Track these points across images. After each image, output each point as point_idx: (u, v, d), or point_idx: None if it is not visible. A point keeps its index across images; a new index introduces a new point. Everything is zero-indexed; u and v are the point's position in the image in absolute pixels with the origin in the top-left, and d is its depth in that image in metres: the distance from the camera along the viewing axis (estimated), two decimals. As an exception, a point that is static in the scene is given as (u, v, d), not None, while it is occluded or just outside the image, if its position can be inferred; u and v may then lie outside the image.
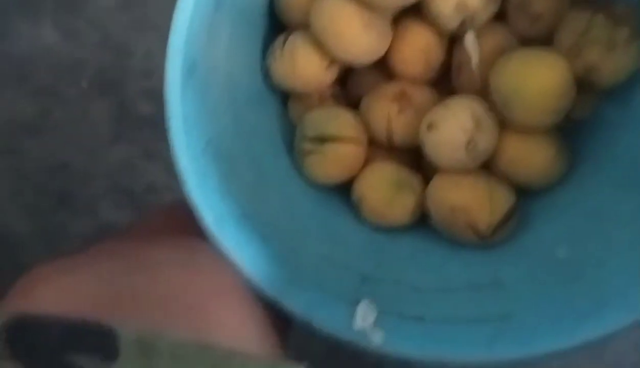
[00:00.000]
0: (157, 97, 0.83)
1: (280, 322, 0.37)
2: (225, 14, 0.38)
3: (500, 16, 0.45)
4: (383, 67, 0.47)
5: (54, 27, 0.84)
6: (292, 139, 0.48)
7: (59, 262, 0.26)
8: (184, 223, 0.35)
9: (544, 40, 0.43)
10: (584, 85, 0.41)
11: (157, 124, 0.83)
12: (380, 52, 0.45)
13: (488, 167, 0.45)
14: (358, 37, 0.43)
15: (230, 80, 0.41)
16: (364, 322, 0.38)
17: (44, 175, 0.84)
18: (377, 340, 0.37)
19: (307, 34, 0.44)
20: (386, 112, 0.45)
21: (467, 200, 0.42)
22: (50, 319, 0.22)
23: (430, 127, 0.42)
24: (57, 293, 0.24)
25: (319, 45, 0.43)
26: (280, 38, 0.46)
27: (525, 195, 0.45)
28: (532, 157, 0.43)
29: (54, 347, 0.21)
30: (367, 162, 0.47)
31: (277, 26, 0.47)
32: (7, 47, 0.84)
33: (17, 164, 0.84)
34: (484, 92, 0.43)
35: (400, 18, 0.46)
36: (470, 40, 0.44)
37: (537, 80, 0.40)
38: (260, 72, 0.46)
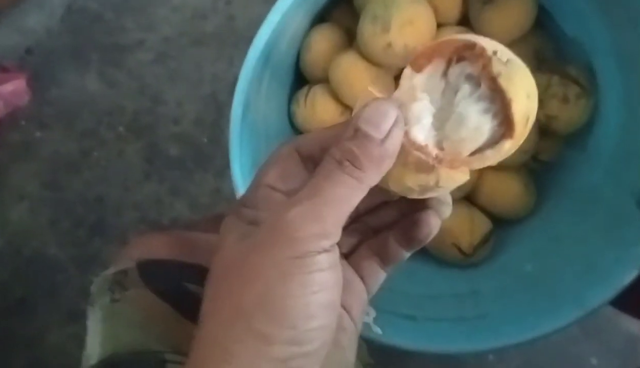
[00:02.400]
0: (184, 141, 0.94)
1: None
2: (267, 70, 0.49)
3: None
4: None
5: (98, 77, 0.96)
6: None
7: (154, 232, 0.37)
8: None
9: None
10: (546, 131, 0.51)
11: (183, 165, 0.93)
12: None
13: (470, 199, 0.54)
14: (367, 88, 0.53)
15: (266, 119, 0.51)
16: (367, 318, 0.47)
17: (81, 207, 0.94)
18: (377, 331, 0.46)
19: (325, 87, 0.55)
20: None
21: (453, 223, 0.51)
22: (167, 261, 0.33)
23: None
24: (161, 244, 0.34)
25: (335, 95, 0.54)
26: (303, 90, 0.57)
27: (501, 224, 0.54)
28: (505, 191, 0.53)
29: (174, 278, 0.32)
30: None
31: (300, 80, 0.58)
32: (57, 94, 0.95)
33: (58, 196, 0.94)
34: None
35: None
36: None
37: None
38: (286, 115, 0.57)
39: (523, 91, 0.25)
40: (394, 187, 0.26)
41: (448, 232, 0.51)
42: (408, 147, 0.25)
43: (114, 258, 0.36)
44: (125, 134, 0.95)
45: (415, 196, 0.26)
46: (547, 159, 0.54)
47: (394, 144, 0.24)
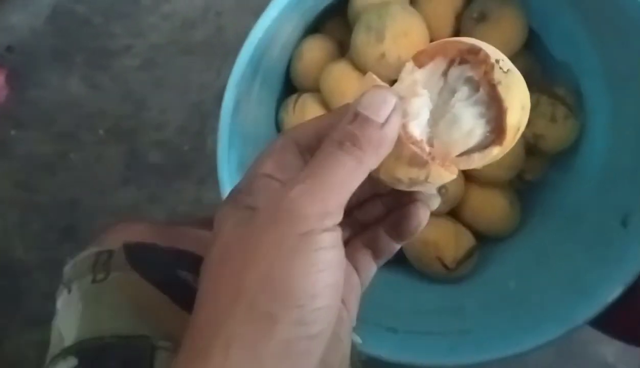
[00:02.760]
0: (166, 148, 0.92)
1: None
2: (258, 75, 0.48)
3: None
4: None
5: (81, 80, 0.94)
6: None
7: (134, 221, 0.36)
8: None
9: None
10: (533, 150, 0.51)
11: (163, 172, 0.92)
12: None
13: (455, 215, 0.54)
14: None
15: (256, 122, 0.51)
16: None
17: (53, 210, 0.91)
18: (357, 340, 0.45)
19: (315, 95, 0.55)
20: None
21: (438, 236, 0.51)
22: (156, 246, 0.31)
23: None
24: (149, 230, 0.33)
25: (325, 103, 0.53)
26: (292, 98, 0.56)
27: (486, 241, 0.54)
28: (490, 208, 0.53)
29: (164, 263, 0.30)
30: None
31: (289, 90, 0.58)
32: (36, 94, 0.93)
33: (30, 197, 0.91)
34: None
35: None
36: None
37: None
38: (274, 121, 0.56)
39: (519, 102, 0.26)
40: (384, 177, 0.26)
41: (433, 246, 0.51)
42: (404, 140, 0.25)
43: (95, 240, 0.34)
44: (105, 138, 0.93)
45: (403, 188, 0.26)
46: (533, 178, 0.54)
47: (393, 129, 0.24)
